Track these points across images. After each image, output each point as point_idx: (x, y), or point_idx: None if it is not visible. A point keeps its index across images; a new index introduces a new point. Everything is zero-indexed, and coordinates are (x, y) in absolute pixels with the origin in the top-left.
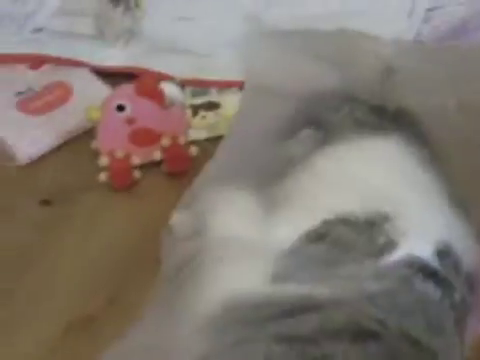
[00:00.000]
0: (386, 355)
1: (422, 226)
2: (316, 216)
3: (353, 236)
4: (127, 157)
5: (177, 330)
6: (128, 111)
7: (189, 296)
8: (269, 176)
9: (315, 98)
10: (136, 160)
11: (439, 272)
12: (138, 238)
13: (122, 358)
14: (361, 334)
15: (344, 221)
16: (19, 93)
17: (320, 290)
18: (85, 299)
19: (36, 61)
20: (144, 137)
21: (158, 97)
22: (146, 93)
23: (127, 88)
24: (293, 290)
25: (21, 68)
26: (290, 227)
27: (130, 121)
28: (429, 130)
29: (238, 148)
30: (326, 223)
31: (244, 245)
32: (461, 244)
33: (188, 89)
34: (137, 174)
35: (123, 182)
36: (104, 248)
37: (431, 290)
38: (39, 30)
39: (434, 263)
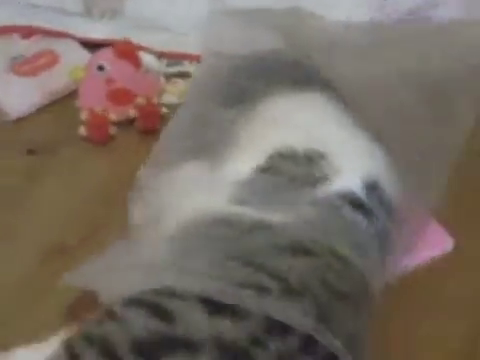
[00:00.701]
0: (319, 268)
1: (352, 163)
2: (262, 154)
3: (293, 169)
4: (105, 113)
5: (144, 249)
6: (107, 71)
7: (154, 223)
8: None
9: (260, 59)
10: (113, 117)
11: (366, 204)
12: (112, 186)
13: (90, 275)
14: (300, 251)
15: (286, 156)
16: (11, 58)
17: (269, 214)
18: (61, 235)
19: (27, 31)
20: (121, 96)
21: (135, 60)
22: (125, 56)
23: (108, 51)
24: (248, 213)
25: (14, 37)
26: (241, 164)
27: (109, 81)
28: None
29: (192, 111)
30: (271, 158)
31: (203, 180)
32: (385, 179)
33: (164, 60)
34: (113, 130)
35: (100, 136)
36: (81, 193)
37: (358, 219)
38: (32, 6)
39: (362, 196)
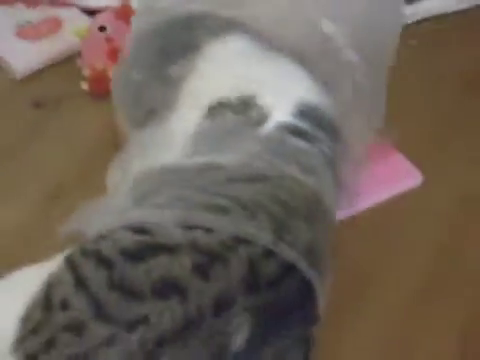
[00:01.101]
0: (271, 189)
1: (285, 96)
2: (203, 106)
3: (232, 115)
4: (105, 70)
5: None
6: (108, 31)
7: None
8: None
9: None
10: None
11: (304, 129)
12: (110, 135)
13: (79, 220)
14: (256, 178)
15: (224, 105)
16: (18, 25)
17: (217, 158)
18: (61, 175)
19: (32, 1)
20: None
21: None
22: (124, 17)
23: (108, 13)
24: (197, 160)
25: (21, 6)
26: (186, 118)
27: (109, 40)
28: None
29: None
30: (211, 109)
31: (155, 140)
32: (321, 102)
33: None
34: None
35: (101, 90)
36: (82, 140)
37: (301, 144)
38: None
39: (298, 123)
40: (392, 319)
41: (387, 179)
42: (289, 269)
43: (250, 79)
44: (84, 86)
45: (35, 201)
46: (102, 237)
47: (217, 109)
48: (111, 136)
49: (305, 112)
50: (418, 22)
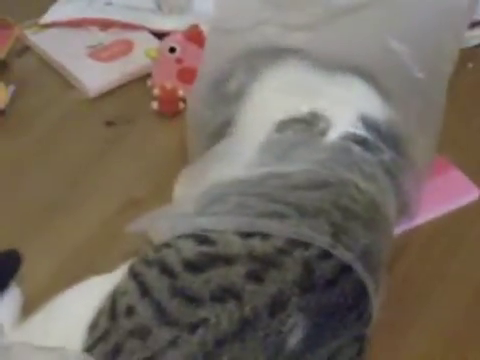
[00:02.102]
0: (332, 194)
1: (349, 109)
2: (272, 121)
3: (299, 127)
4: (175, 89)
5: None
6: (178, 52)
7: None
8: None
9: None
10: (181, 93)
11: (367, 139)
12: (179, 152)
13: (146, 223)
14: (319, 185)
15: (294, 119)
16: (91, 46)
17: (283, 167)
18: (133, 189)
19: (105, 24)
20: (189, 75)
21: (202, 43)
22: (193, 39)
23: (178, 35)
24: (265, 169)
25: (93, 29)
26: (257, 133)
27: (179, 61)
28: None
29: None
30: (281, 123)
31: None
32: (384, 116)
33: None
34: (181, 105)
35: (170, 109)
36: (153, 155)
37: (363, 152)
38: (109, 3)
39: (361, 133)
40: (447, 334)
41: (445, 194)
42: (345, 271)
43: (316, 93)
44: (154, 105)
45: (107, 215)
46: (166, 245)
47: (287, 123)
48: (180, 153)
49: (368, 124)
50: (476, 46)
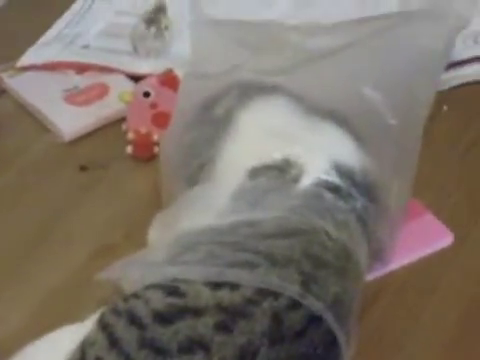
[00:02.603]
0: (302, 243)
1: (322, 155)
2: (244, 168)
3: (272, 174)
4: (149, 134)
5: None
6: (152, 97)
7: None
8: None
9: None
10: (156, 137)
11: (339, 186)
12: (153, 197)
13: (116, 271)
14: (289, 233)
15: (267, 166)
16: (67, 90)
17: (254, 214)
18: (107, 235)
19: (81, 67)
20: (164, 119)
21: (177, 87)
22: (167, 83)
23: (152, 79)
24: (235, 218)
25: (70, 73)
26: (230, 181)
27: (153, 105)
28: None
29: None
30: (253, 170)
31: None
32: (357, 163)
33: None
34: (156, 149)
35: (145, 153)
36: (127, 200)
37: (335, 200)
38: (86, 46)
39: (334, 180)
40: None
41: (419, 239)
42: (314, 321)
43: (290, 138)
44: (129, 150)
45: (80, 262)
46: (135, 296)
47: (260, 170)
48: (154, 197)
49: (341, 171)
50: (451, 88)
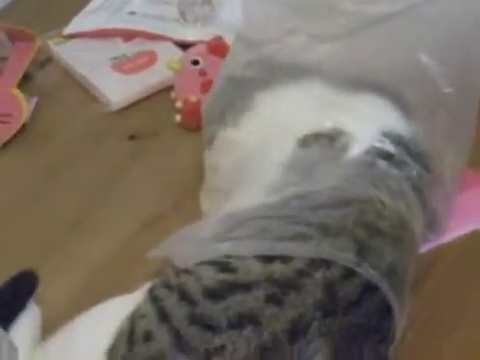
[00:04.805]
0: (357, 212)
1: (372, 124)
2: (293, 139)
3: (323, 144)
4: (198, 102)
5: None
6: (201, 65)
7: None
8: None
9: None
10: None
11: (393, 154)
12: (202, 166)
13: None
14: (342, 203)
15: (316, 135)
16: (114, 58)
17: (307, 186)
18: (156, 205)
19: (128, 35)
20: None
21: (226, 55)
22: (216, 51)
23: (201, 47)
24: (288, 191)
25: (117, 40)
26: (278, 151)
27: (202, 73)
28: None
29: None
30: (303, 140)
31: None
32: (409, 131)
33: None
34: None
35: (194, 122)
36: (175, 171)
37: (389, 168)
38: (133, 13)
39: (387, 148)
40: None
41: (473, 210)
42: (369, 290)
43: (338, 109)
44: (177, 118)
45: (129, 233)
46: (187, 271)
47: (310, 140)
48: (203, 168)
49: (392, 139)
50: None
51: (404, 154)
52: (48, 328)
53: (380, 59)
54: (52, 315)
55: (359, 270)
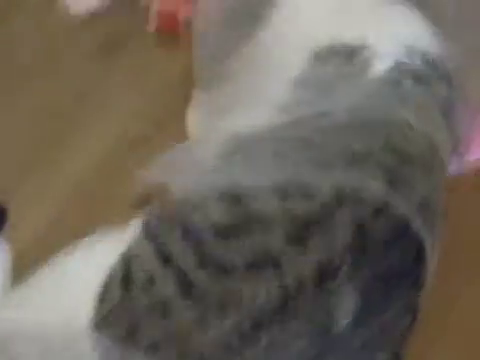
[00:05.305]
0: (383, 134)
1: (394, 38)
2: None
3: (340, 59)
4: (175, 8)
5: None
6: None
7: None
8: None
9: None
10: (182, 12)
11: (419, 71)
12: (183, 81)
13: (159, 169)
14: (367, 124)
15: (332, 50)
16: None
17: (325, 104)
18: (136, 123)
19: None
20: None
21: None
22: None
23: None
24: (302, 111)
25: None
26: (288, 64)
27: None
28: None
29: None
30: (317, 54)
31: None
32: (432, 44)
33: None
34: (181, 26)
35: (170, 29)
36: (153, 87)
37: (416, 86)
38: None
39: (415, 65)
40: None
41: None
42: (401, 228)
43: (359, 19)
44: (151, 26)
45: (107, 155)
46: (190, 204)
47: (325, 55)
48: (185, 82)
49: (418, 55)
50: None
51: (431, 72)
52: (23, 257)
53: None
54: (28, 243)
55: (391, 203)
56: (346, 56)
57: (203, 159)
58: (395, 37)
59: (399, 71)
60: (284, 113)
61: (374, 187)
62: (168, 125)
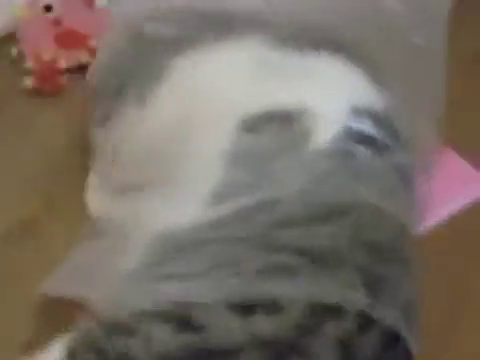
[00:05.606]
0: (354, 225)
1: (337, 98)
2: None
3: (277, 128)
4: (54, 60)
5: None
6: (55, 11)
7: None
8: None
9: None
10: (63, 64)
11: (372, 136)
12: (66, 144)
13: (67, 278)
14: (323, 214)
15: (265, 117)
16: None
17: (270, 188)
18: (22, 204)
19: None
20: (72, 39)
21: None
22: None
23: None
24: (243, 197)
25: None
26: (214, 136)
27: (57, 22)
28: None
29: None
30: (246, 123)
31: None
32: (379, 101)
33: None
34: (64, 79)
35: (50, 85)
36: (34, 154)
37: (370, 156)
38: None
39: (367, 129)
40: None
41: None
42: (389, 342)
43: (291, 77)
44: (28, 82)
45: None
46: (125, 329)
47: (256, 122)
48: (73, 145)
49: (365, 115)
50: None
51: (384, 134)
52: None
53: (337, 4)
54: None
55: (377, 315)
56: (282, 122)
57: (124, 265)
58: (336, 96)
59: (347, 138)
60: (219, 202)
61: (354, 298)
62: (59, 204)
